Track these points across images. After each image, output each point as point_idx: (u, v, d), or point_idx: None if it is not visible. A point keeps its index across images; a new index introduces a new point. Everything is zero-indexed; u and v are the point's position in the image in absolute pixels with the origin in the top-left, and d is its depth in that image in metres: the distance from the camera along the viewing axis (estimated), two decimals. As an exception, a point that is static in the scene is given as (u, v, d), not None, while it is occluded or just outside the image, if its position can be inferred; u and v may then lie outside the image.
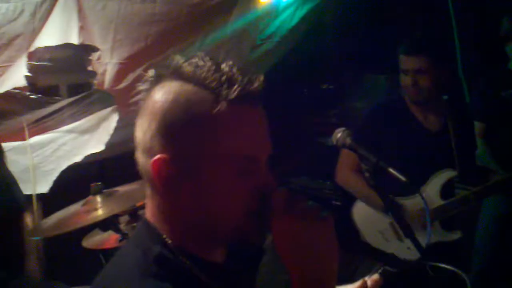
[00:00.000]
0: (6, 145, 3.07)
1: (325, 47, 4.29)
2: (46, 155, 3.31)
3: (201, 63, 1.07)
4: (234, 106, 1.04)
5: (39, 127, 3.29)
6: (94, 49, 3.11)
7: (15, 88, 3.09)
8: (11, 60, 2.92)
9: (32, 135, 3.29)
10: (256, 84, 1.07)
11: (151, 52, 3.16)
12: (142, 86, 1.12)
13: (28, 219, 2.73)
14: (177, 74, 1.08)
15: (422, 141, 2.68)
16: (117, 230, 2.28)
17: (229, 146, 1.05)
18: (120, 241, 2.34)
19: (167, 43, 3.19)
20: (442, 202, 2.59)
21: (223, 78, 1.05)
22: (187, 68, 1.07)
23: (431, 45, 2.62)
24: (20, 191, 2.81)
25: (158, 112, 1.05)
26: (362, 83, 4.47)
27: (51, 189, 3.24)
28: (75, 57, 3.22)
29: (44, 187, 3.26)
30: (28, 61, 3.02)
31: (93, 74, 3.20)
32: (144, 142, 1.07)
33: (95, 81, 3.21)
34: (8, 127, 3.11)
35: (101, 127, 3.32)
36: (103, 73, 3.14)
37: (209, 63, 1.07)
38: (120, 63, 3.09)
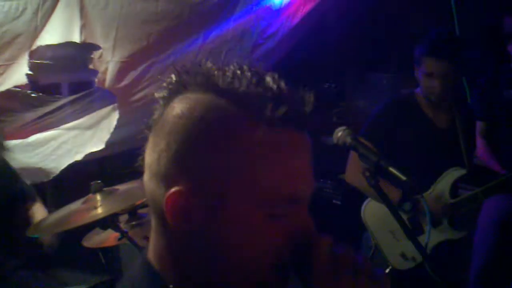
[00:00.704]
0: (12, 143, 3.09)
1: (327, 46, 4.29)
2: (46, 153, 3.31)
3: (238, 73, 0.85)
4: (278, 130, 0.83)
5: (40, 125, 3.30)
6: (95, 47, 3.11)
7: (16, 86, 3.11)
8: (13, 59, 2.93)
9: (33, 133, 3.30)
10: (308, 105, 0.86)
11: (153, 51, 3.18)
12: (158, 93, 0.91)
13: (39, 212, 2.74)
14: (207, 84, 0.85)
15: (433, 137, 2.76)
16: (117, 228, 2.28)
17: (265, 181, 0.83)
18: (119, 239, 2.33)
19: (169, 42, 3.20)
20: (452, 200, 2.66)
21: (268, 94, 0.83)
22: (221, 78, 0.85)
23: (458, 49, 2.66)
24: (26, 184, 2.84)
25: (179, 132, 0.84)
26: (363, 82, 4.48)
27: (51, 187, 3.25)
28: (77, 55, 3.22)
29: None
30: (29, 60, 3.03)
31: (95, 72, 3.20)
32: (158, 167, 0.86)
33: (96, 80, 3.22)
34: (9, 125, 3.11)
35: (102, 125, 3.33)
36: (105, 72, 3.15)
37: (249, 74, 0.85)
38: (122, 62, 3.11)
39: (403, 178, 1.66)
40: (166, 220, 0.85)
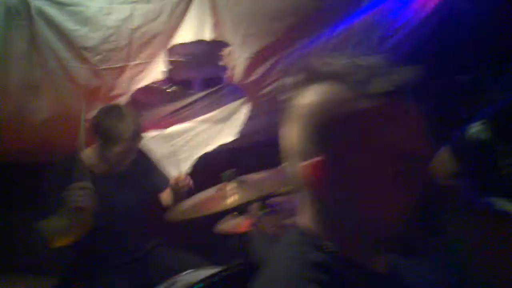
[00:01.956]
0: (151, 134, 3.32)
1: (460, 37, 4.09)
2: (180, 144, 3.50)
3: (343, 61, 1.03)
4: (385, 101, 0.99)
5: (176, 118, 3.50)
6: (225, 44, 3.25)
7: (154, 82, 3.34)
8: (151, 57, 3.14)
9: (169, 125, 3.51)
10: (405, 76, 1.00)
11: (280, 46, 3.24)
12: (285, 93, 1.09)
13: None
14: (322, 75, 1.04)
15: None
16: (249, 216, 2.37)
17: (382, 144, 0.99)
18: (251, 227, 2.42)
19: (295, 37, 3.24)
20: None
21: (370, 73, 1.00)
22: (332, 67, 1.03)
23: None
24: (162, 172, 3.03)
25: (314, 116, 1.02)
26: (499, 74, 4.23)
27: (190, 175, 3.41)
28: (208, 52, 3.37)
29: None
30: (166, 58, 3.24)
31: (225, 68, 3.34)
32: (295, 148, 1.05)
33: (226, 75, 3.35)
34: (148, 118, 3.33)
35: (232, 119, 3.46)
36: (234, 67, 3.27)
37: (351, 60, 1.03)
38: (250, 57, 3.19)
39: None
40: (314, 189, 1.03)
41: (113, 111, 2.65)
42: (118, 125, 2.55)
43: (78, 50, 2.83)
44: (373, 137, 0.99)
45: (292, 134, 1.06)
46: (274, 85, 3.32)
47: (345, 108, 1.00)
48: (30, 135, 3.12)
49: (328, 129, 1.00)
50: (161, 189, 2.99)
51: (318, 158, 1.00)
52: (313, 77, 1.05)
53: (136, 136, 2.64)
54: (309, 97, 1.04)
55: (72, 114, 3.01)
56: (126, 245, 2.75)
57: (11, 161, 3.20)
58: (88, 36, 2.79)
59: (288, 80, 1.08)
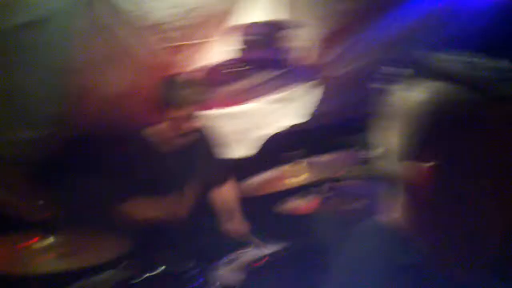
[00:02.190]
0: (217, 112, 3.39)
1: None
2: (248, 123, 3.53)
3: (462, 60, 0.96)
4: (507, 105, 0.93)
5: (244, 97, 3.54)
6: (299, 25, 3.24)
7: (224, 61, 3.38)
8: (221, 35, 3.16)
9: (237, 104, 3.55)
10: None
11: (354, 29, 3.20)
12: (382, 84, 1.03)
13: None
14: (437, 73, 0.97)
15: None
16: (315, 197, 2.39)
17: (505, 153, 0.93)
18: (316, 209, 2.44)
19: (369, 19, 3.19)
20: None
21: (496, 75, 0.93)
22: (450, 66, 0.96)
23: None
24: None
25: (421, 115, 0.95)
26: None
27: (256, 154, 3.46)
28: (279, 33, 3.36)
29: (244, 151, 3.48)
30: (237, 37, 3.26)
31: (296, 49, 3.34)
32: (397, 147, 0.99)
33: (298, 56, 3.35)
34: (220, 95, 3.38)
35: (302, 100, 3.45)
36: (308, 48, 3.26)
37: (471, 60, 0.96)
38: (324, 39, 3.18)
39: None
40: (413, 192, 0.98)
41: (178, 82, 2.77)
42: (183, 94, 2.67)
43: (148, 26, 2.91)
44: (497, 145, 0.92)
45: (392, 131, 1.00)
46: (350, 67, 3.29)
47: (470, 112, 0.92)
48: (104, 109, 3.26)
49: (446, 132, 0.94)
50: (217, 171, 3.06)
51: (431, 163, 0.94)
52: (425, 74, 0.97)
53: (191, 106, 2.71)
54: (420, 94, 0.96)
55: (144, 90, 3.13)
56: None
57: (89, 134, 3.36)
58: (159, 12, 2.85)
59: (389, 71, 1.02)
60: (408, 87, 0.98)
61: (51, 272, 2.04)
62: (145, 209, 2.67)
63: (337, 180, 2.64)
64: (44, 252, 2.12)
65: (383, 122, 1.02)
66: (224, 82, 3.46)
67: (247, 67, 3.48)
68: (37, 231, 2.15)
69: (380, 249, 1.02)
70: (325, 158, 2.45)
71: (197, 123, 2.74)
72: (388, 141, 1.00)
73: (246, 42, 3.32)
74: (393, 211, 1.04)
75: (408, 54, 1.00)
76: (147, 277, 2.01)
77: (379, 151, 1.03)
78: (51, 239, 2.17)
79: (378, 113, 1.03)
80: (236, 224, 2.92)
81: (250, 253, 2.49)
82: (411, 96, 0.97)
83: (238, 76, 3.49)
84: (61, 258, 2.10)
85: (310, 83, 3.44)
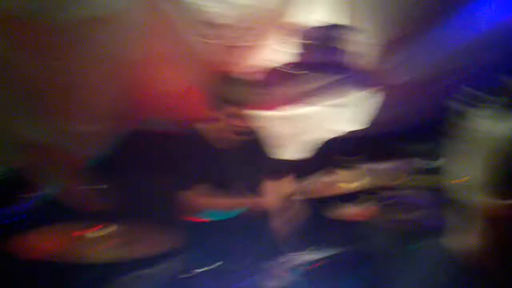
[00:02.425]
0: (272, 113, 3.40)
1: None
2: (304, 127, 3.54)
3: None
4: None
5: (299, 100, 3.54)
6: (358, 30, 3.22)
7: (283, 63, 3.39)
8: (264, 37, 3.17)
9: (291, 106, 3.56)
10: None
11: (414, 38, 3.16)
12: (463, 109, 0.98)
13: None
14: None
15: None
16: (367, 205, 2.36)
17: None
18: (368, 217, 2.42)
19: (430, 29, 3.15)
20: None
21: None
22: None
23: None
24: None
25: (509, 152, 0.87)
26: None
27: (312, 157, 3.47)
28: (340, 37, 3.35)
29: (296, 155, 3.49)
30: (296, 40, 3.27)
31: (356, 55, 3.31)
32: (480, 180, 0.92)
33: (358, 62, 3.33)
34: (276, 97, 3.40)
35: (361, 106, 3.43)
36: (367, 54, 3.23)
37: None
38: (384, 46, 3.14)
39: None
40: (498, 228, 0.92)
41: (234, 81, 2.81)
42: (238, 93, 2.71)
43: (205, 25, 2.95)
44: None
45: (471, 159, 0.93)
46: (409, 76, 3.25)
47: None
48: (161, 105, 3.33)
49: None
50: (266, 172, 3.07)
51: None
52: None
53: (246, 105, 2.74)
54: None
55: (200, 87, 3.17)
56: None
57: (141, 129, 3.44)
58: (215, 13, 2.88)
59: (474, 94, 0.98)
60: (497, 116, 0.90)
61: (108, 260, 2.13)
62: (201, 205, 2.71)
63: (394, 188, 2.61)
64: (103, 240, 2.21)
65: (460, 147, 0.96)
66: (280, 84, 3.48)
67: (305, 70, 3.48)
68: (97, 221, 2.23)
69: (443, 274, 0.98)
70: (382, 165, 2.43)
71: (252, 123, 2.76)
72: (465, 169, 0.94)
73: (305, 45, 3.32)
74: (464, 240, 0.98)
75: (497, 79, 0.93)
76: (201, 271, 2.04)
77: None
78: (110, 229, 2.26)
79: (454, 135, 0.96)
80: (286, 226, 2.92)
81: (302, 257, 2.50)
82: (500, 127, 0.89)
83: (296, 78, 3.50)
84: (119, 247, 2.18)
85: (370, 89, 3.41)
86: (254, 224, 2.80)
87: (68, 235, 2.27)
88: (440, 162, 3.06)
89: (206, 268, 2.10)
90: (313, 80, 3.50)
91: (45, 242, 2.22)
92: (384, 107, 3.40)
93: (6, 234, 2.21)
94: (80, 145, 3.13)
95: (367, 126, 3.40)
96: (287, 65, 3.41)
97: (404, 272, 1.04)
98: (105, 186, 2.51)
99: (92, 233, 2.25)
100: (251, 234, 2.76)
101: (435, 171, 3.12)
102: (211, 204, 2.71)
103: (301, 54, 3.37)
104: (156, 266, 2.50)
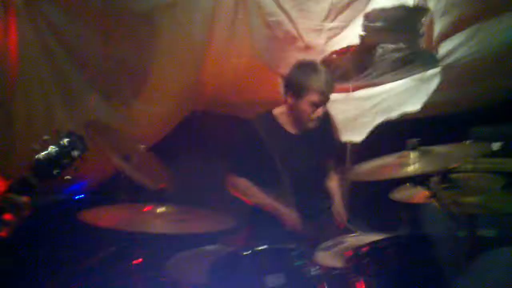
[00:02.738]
0: (342, 95, 3.43)
1: None
2: (365, 109, 3.53)
3: None
4: None
5: (363, 83, 3.53)
6: (426, 11, 3.16)
7: (349, 46, 3.38)
8: (349, 20, 3.19)
9: (355, 89, 3.56)
10: None
11: (478, 19, 3.08)
12: None
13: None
14: None
15: None
16: (427, 188, 2.32)
17: None
18: (428, 199, 2.38)
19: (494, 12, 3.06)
20: None
21: None
22: None
23: None
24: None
25: None
26: None
27: (372, 139, 3.47)
28: (407, 18, 3.30)
29: (359, 137, 3.50)
30: (364, 22, 3.24)
31: (421, 35, 3.26)
32: None
33: (422, 43, 3.27)
34: (338, 80, 3.39)
35: (422, 87, 3.37)
36: (431, 35, 3.18)
37: None
38: (449, 27, 3.09)
39: None
40: None
41: (306, 65, 2.81)
42: (310, 77, 2.71)
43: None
44: None
45: None
46: (470, 58, 3.17)
47: None
48: (229, 86, 3.41)
49: None
50: (333, 156, 3.07)
51: None
52: None
53: (326, 91, 2.74)
54: None
55: (269, 71, 3.23)
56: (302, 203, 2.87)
57: (212, 111, 3.55)
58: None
59: None
60: None
61: (169, 235, 2.25)
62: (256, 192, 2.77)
63: (452, 172, 2.56)
64: (164, 216, 2.32)
65: None
66: (349, 66, 3.47)
67: (375, 52, 3.45)
68: (159, 198, 2.33)
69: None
70: (441, 148, 2.37)
71: (320, 113, 2.78)
72: None
73: (373, 27, 3.30)
74: None
75: None
76: (251, 252, 2.09)
77: (504, 145, 0.98)
78: (170, 206, 2.36)
79: None
80: (342, 209, 2.94)
81: (355, 239, 2.50)
82: None
83: (365, 60, 3.49)
84: (173, 224, 2.29)
85: (431, 71, 3.34)
86: (310, 205, 2.84)
87: (133, 210, 2.40)
88: (506, 144, 2.97)
89: (265, 247, 2.14)
90: (379, 61, 3.47)
91: (112, 215, 2.38)
92: (450, 87, 3.33)
93: (78, 207, 2.37)
94: (146, 125, 3.27)
95: (428, 107, 3.33)
96: (360, 47, 3.39)
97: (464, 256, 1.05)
98: (165, 167, 2.62)
99: (154, 209, 2.35)
100: (309, 213, 2.80)
101: (501, 153, 3.03)
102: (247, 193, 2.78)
103: (370, 36, 3.34)
104: (215, 244, 2.60)
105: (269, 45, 3.20)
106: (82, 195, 2.60)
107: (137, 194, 2.60)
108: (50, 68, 2.86)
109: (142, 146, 2.58)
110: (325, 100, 2.77)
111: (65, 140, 1.62)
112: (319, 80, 2.71)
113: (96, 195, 3.11)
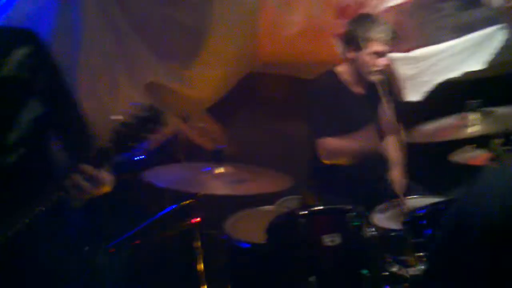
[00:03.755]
0: (399, 55, 3.34)
1: None
2: (424, 68, 3.43)
3: None
4: None
5: (423, 40, 3.43)
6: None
7: (403, 3, 3.28)
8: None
9: (416, 47, 3.45)
10: None
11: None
12: None
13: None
14: None
15: None
16: (488, 150, 2.28)
17: None
18: (488, 162, 2.34)
19: None
20: None
21: None
22: None
23: None
24: None
25: None
26: None
27: (432, 99, 3.39)
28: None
29: (416, 96, 3.43)
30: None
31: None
32: None
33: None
34: (403, 37, 3.31)
35: (484, 46, 3.25)
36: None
37: None
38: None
39: None
40: None
41: (365, 17, 2.82)
42: (369, 28, 2.72)
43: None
44: None
45: None
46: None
47: None
48: (285, 48, 3.40)
49: None
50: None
51: None
52: None
53: (387, 40, 2.73)
54: None
55: (325, 30, 3.19)
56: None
57: (269, 72, 3.55)
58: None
59: None
60: None
61: (227, 195, 2.29)
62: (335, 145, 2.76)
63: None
64: (219, 178, 2.34)
65: None
66: (405, 24, 3.39)
67: (429, 10, 3.35)
68: (218, 158, 2.36)
69: None
70: (503, 110, 2.30)
71: (383, 64, 2.76)
72: None
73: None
74: None
75: None
76: (308, 212, 2.11)
77: None
78: (224, 168, 2.36)
79: None
80: (399, 171, 2.91)
81: (413, 201, 2.48)
82: None
83: (420, 19, 3.39)
84: (231, 184, 2.30)
85: (494, 28, 3.21)
86: (368, 167, 2.82)
87: (193, 171, 2.46)
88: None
89: (321, 207, 2.17)
90: (438, 19, 3.36)
91: (172, 176, 2.44)
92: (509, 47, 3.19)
93: (138, 168, 2.45)
94: (204, 87, 3.32)
95: (490, 67, 3.21)
96: (411, 4, 3.30)
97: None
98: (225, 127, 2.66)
99: (212, 170, 2.39)
100: (362, 178, 2.79)
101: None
102: (339, 148, 2.75)
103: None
104: (274, 204, 2.64)
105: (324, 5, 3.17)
106: (143, 156, 2.68)
107: (196, 155, 2.66)
108: (114, 37, 2.93)
109: (201, 108, 2.62)
110: (386, 49, 2.76)
111: (146, 114, 1.59)
112: (378, 30, 2.72)
113: (156, 155, 3.21)
